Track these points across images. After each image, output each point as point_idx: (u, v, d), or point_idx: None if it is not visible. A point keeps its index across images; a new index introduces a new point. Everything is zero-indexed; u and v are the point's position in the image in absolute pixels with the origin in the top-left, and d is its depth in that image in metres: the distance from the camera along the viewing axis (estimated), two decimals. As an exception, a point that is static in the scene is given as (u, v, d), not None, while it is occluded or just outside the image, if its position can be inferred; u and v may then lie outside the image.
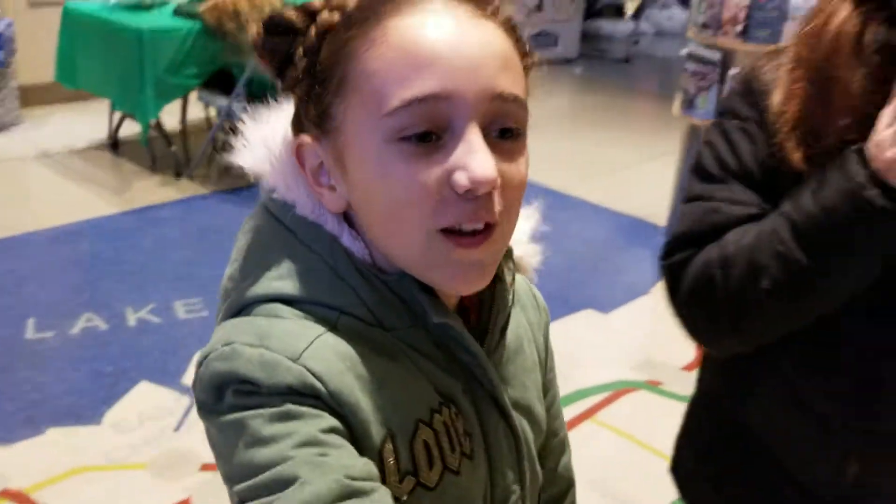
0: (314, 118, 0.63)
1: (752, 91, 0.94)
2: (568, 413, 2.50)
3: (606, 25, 8.94)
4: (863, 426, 0.93)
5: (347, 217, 0.66)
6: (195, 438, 2.36)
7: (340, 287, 0.63)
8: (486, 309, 0.71)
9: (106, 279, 3.31)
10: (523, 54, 0.64)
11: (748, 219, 0.91)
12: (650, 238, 3.95)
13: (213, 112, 4.67)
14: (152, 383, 2.62)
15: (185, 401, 2.54)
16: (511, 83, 0.60)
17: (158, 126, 4.36)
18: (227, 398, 0.58)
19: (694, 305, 0.94)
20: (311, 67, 0.63)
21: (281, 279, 0.63)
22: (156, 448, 2.33)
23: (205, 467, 2.23)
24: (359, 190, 0.62)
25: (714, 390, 1.08)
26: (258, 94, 4.07)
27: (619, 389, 2.71)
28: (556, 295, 3.33)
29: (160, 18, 4.21)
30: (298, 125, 0.66)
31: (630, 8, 8.77)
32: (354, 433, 0.59)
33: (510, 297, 0.73)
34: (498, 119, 0.60)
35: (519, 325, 0.77)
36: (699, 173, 0.97)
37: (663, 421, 2.58)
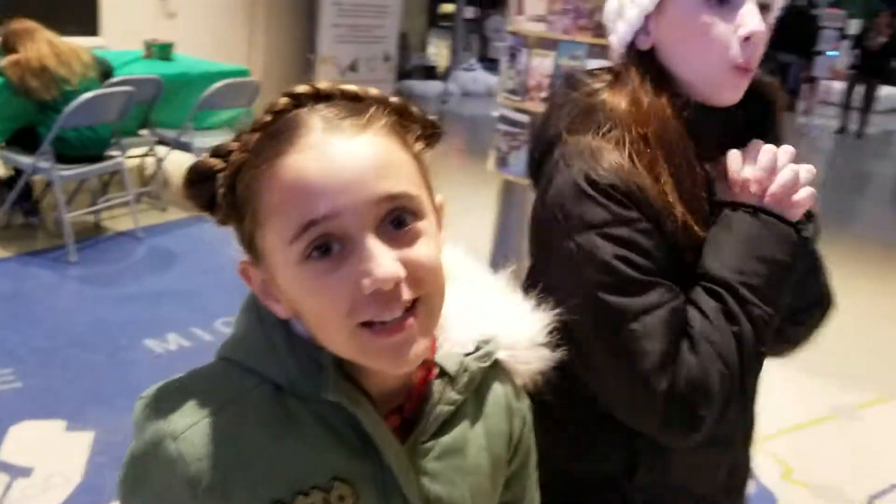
0: (246, 247, 0.70)
1: (611, 193, 0.92)
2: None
3: (418, 86, 9.34)
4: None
5: None
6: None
7: (270, 356, 0.71)
8: (423, 402, 0.75)
9: None
10: (417, 138, 0.71)
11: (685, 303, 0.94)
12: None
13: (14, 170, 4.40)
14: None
15: (5, 478, 2.37)
16: (395, 183, 0.65)
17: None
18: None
19: (692, 408, 0.89)
20: (232, 204, 0.69)
21: (234, 343, 0.74)
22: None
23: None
24: (292, 304, 0.68)
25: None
26: (65, 153, 3.91)
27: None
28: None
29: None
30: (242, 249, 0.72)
31: (440, 66, 9.21)
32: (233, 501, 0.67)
33: (458, 397, 0.76)
34: (390, 215, 0.65)
35: (469, 430, 0.78)
36: (622, 290, 0.90)
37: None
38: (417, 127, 0.72)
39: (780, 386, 3.52)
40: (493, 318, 0.81)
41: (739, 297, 0.92)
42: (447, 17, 12.45)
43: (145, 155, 5.29)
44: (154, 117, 4.67)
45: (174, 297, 3.76)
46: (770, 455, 2.93)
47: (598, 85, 1.03)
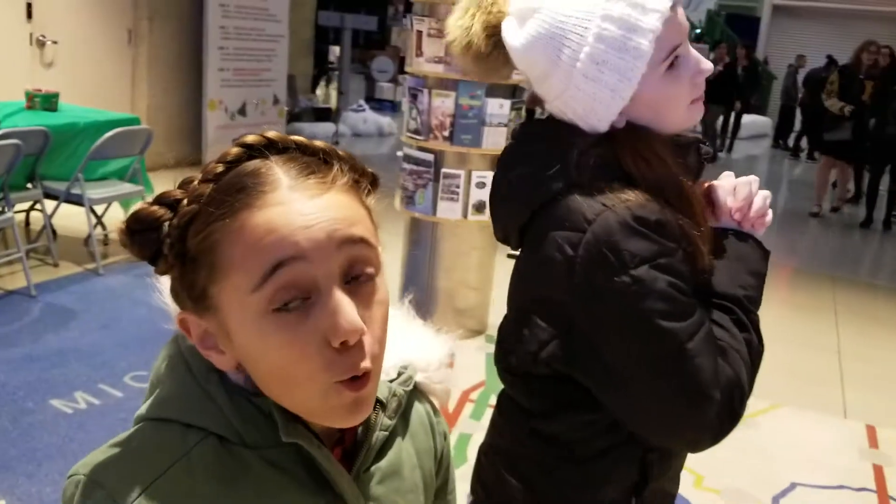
0: (192, 299, 0.68)
1: (657, 227, 0.99)
2: None
3: (308, 128, 9.34)
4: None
5: None
6: None
7: (209, 408, 0.69)
8: (362, 432, 0.77)
9: None
10: (367, 192, 0.72)
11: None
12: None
13: None
14: None
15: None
16: (359, 230, 0.67)
17: None
18: None
19: (735, 410, 1.01)
20: (181, 255, 0.67)
21: (164, 400, 0.71)
22: None
23: None
24: (246, 357, 0.67)
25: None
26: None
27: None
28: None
29: None
30: (178, 299, 0.70)
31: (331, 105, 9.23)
32: None
33: (391, 422, 0.79)
34: (354, 265, 0.66)
35: (402, 451, 0.82)
36: (678, 315, 0.98)
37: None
38: (365, 181, 0.73)
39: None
40: (407, 345, 0.87)
41: (745, 308, 1.08)
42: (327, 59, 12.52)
43: (31, 209, 5.07)
44: (41, 170, 4.50)
45: (76, 354, 3.61)
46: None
47: (588, 141, 1.07)
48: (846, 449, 3.47)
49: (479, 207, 3.86)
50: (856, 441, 3.55)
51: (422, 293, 4.02)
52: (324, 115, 9.48)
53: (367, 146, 9.75)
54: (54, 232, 4.79)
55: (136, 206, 0.69)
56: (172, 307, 0.72)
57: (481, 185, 3.83)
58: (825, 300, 5.65)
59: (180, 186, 0.69)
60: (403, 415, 0.84)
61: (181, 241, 0.67)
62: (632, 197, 1.01)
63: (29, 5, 6.20)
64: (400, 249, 4.19)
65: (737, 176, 1.17)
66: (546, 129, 1.12)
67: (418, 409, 0.87)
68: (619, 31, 1.01)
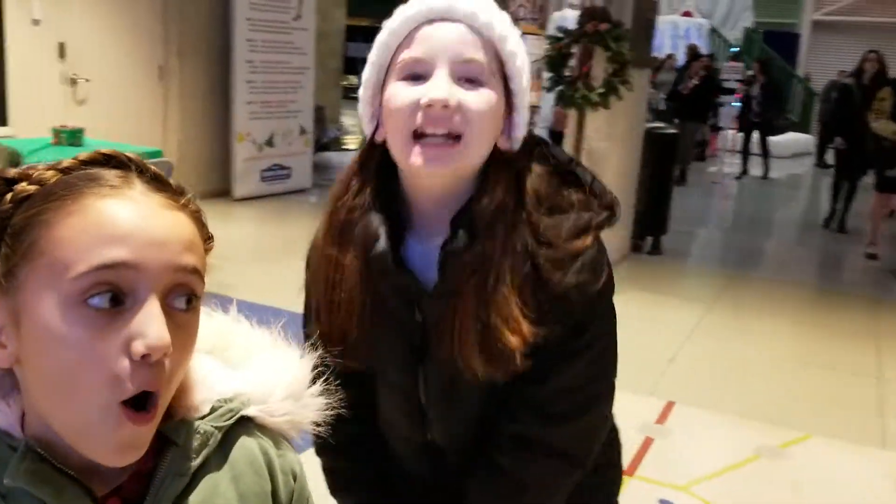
0: None
1: None
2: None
3: (336, 157, 9.42)
4: None
5: (6, 379, 0.68)
6: None
7: None
8: (150, 476, 0.70)
9: None
10: (206, 239, 0.72)
11: None
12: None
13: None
14: None
15: None
16: (193, 260, 0.67)
17: None
18: None
19: None
20: (1, 231, 0.66)
21: None
22: None
23: None
24: (31, 352, 0.64)
25: None
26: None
27: None
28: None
29: None
30: None
31: (350, 142, 9.31)
32: None
33: (192, 463, 0.71)
34: (178, 289, 0.66)
35: (214, 496, 0.73)
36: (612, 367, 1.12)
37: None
38: (206, 233, 0.73)
39: (705, 432, 3.59)
40: (242, 379, 0.79)
41: None
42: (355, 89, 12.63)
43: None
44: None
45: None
46: (700, 499, 2.96)
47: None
48: (884, 481, 3.30)
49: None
50: (894, 473, 3.37)
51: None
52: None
53: (397, 174, 9.76)
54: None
55: None
56: None
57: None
58: (865, 324, 5.43)
59: (20, 171, 0.69)
60: (224, 454, 0.75)
61: (7, 216, 0.66)
62: None
63: (62, 45, 6.36)
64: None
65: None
66: None
67: (247, 446, 0.77)
68: None
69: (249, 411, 0.77)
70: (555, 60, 5.54)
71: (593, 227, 1.02)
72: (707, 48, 13.70)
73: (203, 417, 0.74)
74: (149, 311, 0.63)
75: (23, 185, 0.67)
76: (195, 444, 0.72)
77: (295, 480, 0.81)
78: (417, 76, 0.97)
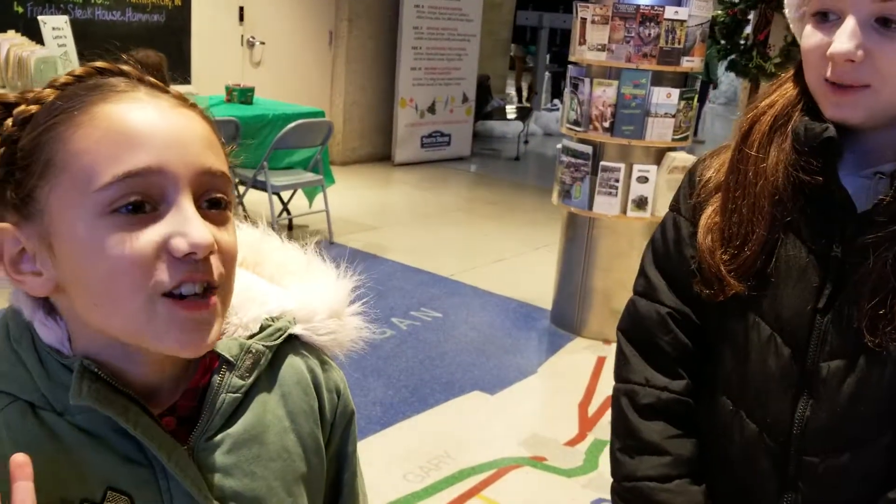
0: (15, 203, 0.63)
1: (692, 184, 1.05)
2: (454, 492, 2.52)
3: (498, 126, 9.39)
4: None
5: (47, 301, 0.67)
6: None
7: (17, 374, 0.65)
8: (202, 393, 0.70)
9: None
10: (221, 142, 0.69)
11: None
12: (535, 321, 4.08)
13: None
14: None
15: None
16: (216, 160, 0.64)
17: None
18: None
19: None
20: (11, 155, 0.63)
21: None
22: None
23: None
24: (70, 269, 0.62)
25: None
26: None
27: (505, 466, 2.75)
28: (445, 378, 3.38)
29: None
30: None
31: (510, 112, 9.24)
32: None
33: (244, 382, 0.71)
34: (207, 191, 0.64)
35: (265, 413, 0.73)
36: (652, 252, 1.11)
37: (546, 494, 2.64)
38: (219, 135, 0.70)
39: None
40: (285, 296, 0.78)
41: None
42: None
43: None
44: (232, 157, 4.84)
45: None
46: None
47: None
48: None
49: (639, 203, 3.63)
50: None
51: (573, 292, 3.87)
52: (519, 113, 9.48)
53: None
54: (246, 216, 5.14)
55: None
56: None
57: (643, 179, 3.61)
58: None
59: (19, 95, 0.66)
60: (273, 373, 0.75)
61: (13, 140, 0.63)
62: None
63: (241, 9, 6.73)
64: (556, 247, 4.06)
65: None
66: None
67: (294, 364, 0.77)
68: None
69: (296, 330, 0.77)
70: (728, 27, 5.22)
71: None
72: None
73: (252, 336, 0.74)
74: (184, 210, 0.61)
75: (22, 107, 0.64)
76: (247, 362, 0.72)
77: (339, 397, 0.81)
78: (825, 15, 0.88)
